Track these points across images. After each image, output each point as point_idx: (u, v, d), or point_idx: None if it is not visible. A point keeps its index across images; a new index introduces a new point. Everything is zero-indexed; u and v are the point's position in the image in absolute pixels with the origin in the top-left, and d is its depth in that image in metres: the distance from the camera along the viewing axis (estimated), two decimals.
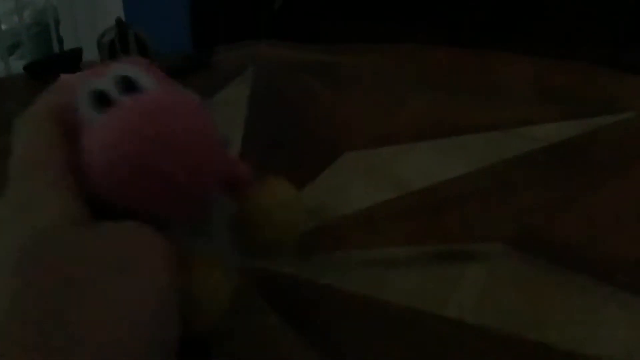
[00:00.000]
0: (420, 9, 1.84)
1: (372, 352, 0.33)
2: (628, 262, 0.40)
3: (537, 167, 0.53)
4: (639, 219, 0.45)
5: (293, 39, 0.93)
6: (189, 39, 2.13)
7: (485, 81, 0.73)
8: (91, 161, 0.26)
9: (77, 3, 1.91)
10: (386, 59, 0.82)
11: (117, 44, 0.74)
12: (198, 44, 2.09)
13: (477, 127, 0.59)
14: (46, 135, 0.29)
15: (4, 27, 2.27)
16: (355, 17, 1.93)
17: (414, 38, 0.91)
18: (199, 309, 0.29)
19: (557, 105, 0.64)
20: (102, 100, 0.28)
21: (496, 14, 1.75)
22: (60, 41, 2.03)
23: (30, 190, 0.26)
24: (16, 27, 2.23)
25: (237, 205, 0.32)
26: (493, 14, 1.75)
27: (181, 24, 2.14)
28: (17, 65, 2.08)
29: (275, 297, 0.35)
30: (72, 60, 0.82)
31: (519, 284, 0.38)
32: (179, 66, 0.78)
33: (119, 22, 0.75)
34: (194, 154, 0.26)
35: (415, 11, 1.85)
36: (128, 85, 0.28)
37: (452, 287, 0.37)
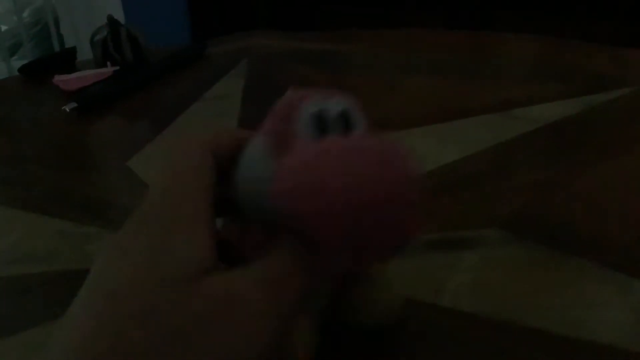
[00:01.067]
0: None
1: (370, 343, 0.32)
2: (624, 243, 0.39)
3: (532, 149, 0.52)
4: (634, 199, 0.44)
5: (290, 26, 0.92)
6: (188, 33, 2.12)
7: (480, 63, 0.72)
8: (300, 187, 0.24)
9: (75, 0, 1.91)
10: (381, 45, 0.81)
11: (110, 42, 0.74)
12: (197, 38, 2.08)
13: (473, 110, 0.59)
14: (197, 164, 0.27)
15: (3, 28, 2.27)
16: (351, 2, 1.91)
17: (410, 22, 0.90)
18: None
19: (554, 85, 0.63)
20: (322, 126, 0.27)
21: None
22: (61, 39, 2.03)
23: (168, 223, 0.24)
24: (16, 28, 2.23)
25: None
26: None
27: (180, 19, 2.13)
28: (18, 65, 2.09)
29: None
30: (66, 60, 0.82)
31: (514, 270, 0.38)
32: (173, 59, 0.78)
33: (110, 20, 0.74)
34: (414, 208, 0.26)
35: None
36: (347, 121, 0.28)
37: (448, 275, 0.37)
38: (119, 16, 1.81)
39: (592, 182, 0.46)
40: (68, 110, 0.65)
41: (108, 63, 0.75)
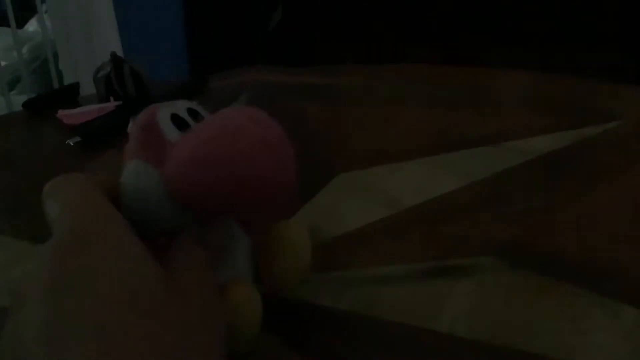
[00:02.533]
0: (414, 29, 1.86)
1: None
2: (615, 270, 0.41)
3: (526, 180, 0.54)
4: (627, 227, 0.46)
5: (288, 61, 0.95)
6: (186, 68, 2.16)
7: (474, 96, 0.74)
8: (184, 164, 0.29)
9: (74, 36, 1.94)
10: (379, 78, 0.83)
11: (113, 78, 0.76)
12: (196, 72, 2.11)
13: (467, 142, 0.60)
14: (95, 193, 0.30)
15: (3, 63, 2.30)
16: (349, 38, 1.95)
17: (408, 57, 0.92)
18: (237, 333, 0.31)
19: (547, 118, 0.65)
20: (180, 123, 0.32)
21: (489, 31, 1.77)
22: (60, 75, 2.06)
23: (105, 252, 0.26)
24: (15, 63, 2.26)
25: (254, 236, 0.35)
26: (486, 31, 1.77)
27: (178, 54, 2.16)
28: (17, 100, 2.11)
29: (273, 318, 0.36)
30: (69, 95, 0.84)
31: (509, 296, 0.39)
32: (174, 93, 0.80)
33: (113, 56, 0.76)
34: (289, 158, 0.31)
35: (408, 31, 1.87)
36: (196, 115, 0.33)
37: (445, 301, 0.38)
38: (118, 51, 1.84)
39: (584, 212, 0.48)
40: (72, 144, 0.67)
41: (111, 98, 0.77)
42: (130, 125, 0.35)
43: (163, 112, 0.32)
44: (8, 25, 1.99)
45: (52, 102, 0.81)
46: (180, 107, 0.33)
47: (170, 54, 2.13)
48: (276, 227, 0.36)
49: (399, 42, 1.83)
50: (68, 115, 0.75)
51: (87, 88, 0.87)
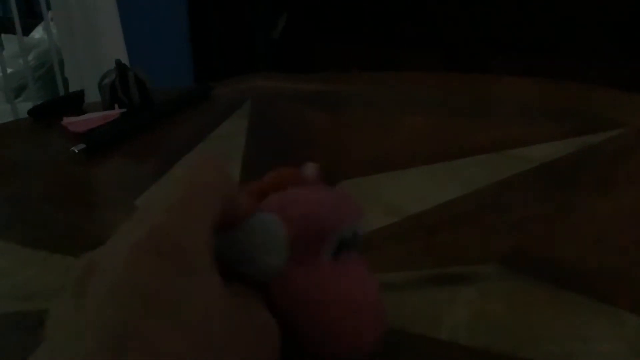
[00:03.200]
0: (417, 36, 1.87)
1: None
2: (617, 278, 0.41)
3: (529, 188, 0.54)
4: (629, 236, 0.46)
5: (292, 68, 0.95)
6: (191, 75, 2.16)
7: (478, 104, 0.74)
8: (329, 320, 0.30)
9: (80, 44, 1.95)
10: (382, 85, 0.83)
11: (118, 86, 0.76)
12: (200, 79, 2.12)
13: (470, 150, 0.61)
14: (203, 209, 0.25)
15: (9, 70, 2.31)
16: (353, 44, 1.95)
17: (410, 64, 0.92)
18: None
19: (549, 125, 0.65)
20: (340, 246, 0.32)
21: (490, 40, 1.77)
22: (65, 82, 2.07)
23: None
24: (21, 70, 2.27)
25: None
26: (488, 40, 1.78)
27: (183, 61, 2.17)
28: (23, 107, 2.12)
29: None
30: (74, 103, 0.84)
31: (511, 304, 0.39)
32: (179, 100, 0.80)
33: (118, 64, 0.77)
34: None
35: (411, 38, 1.88)
36: (354, 241, 0.33)
37: (446, 309, 0.38)
38: (123, 58, 1.84)
39: (586, 220, 0.48)
40: (77, 151, 0.67)
41: (115, 105, 0.78)
42: None
43: (339, 234, 0.31)
44: (14, 33, 2.01)
45: (57, 110, 0.81)
46: (348, 230, 0.32)
47: (175, 62, 2.14)
48: None
49: (402, 49, 1.84)
50: (73, 122, 0.75)
51: (92, 95, 0.88)
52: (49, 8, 2.00)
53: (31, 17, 2.51)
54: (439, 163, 0.59)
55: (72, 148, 0.67)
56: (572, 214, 0.49)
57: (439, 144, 0.63)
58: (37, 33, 2.64)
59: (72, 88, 2.02)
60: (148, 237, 0.23)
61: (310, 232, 0.30)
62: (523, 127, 0.65)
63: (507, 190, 0.53)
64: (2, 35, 2.58)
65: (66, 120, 0.75)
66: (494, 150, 0.60)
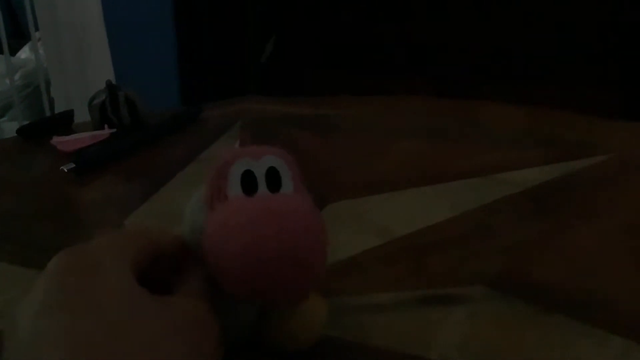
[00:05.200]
0: (409, 61, 1.89)
1: None
2: (602, 300, 0.41)
3: (516, 211, 0.55)
4: (613, 258, 0.47)
5: (281, 91, 0.96)
6: (177, 97, 2.17)
7: (466, 129, 0.75)
8: (222, 248, 0.31)
9: (67, 64, 1.95)
10: (372, 109, 0.84)
11: (108, 106, 0.77)
12: (187, 101, 2.13)
13: (458, 174, 0.61)
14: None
15: None
16: (342, 69, 1.97)
17: (399, 89, 0.93)
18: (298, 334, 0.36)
19: (536, 151, 0.66)
20: (250, 183, 0.33)
21: (479, 67, 1.80)
22: (52, 102, 2.06)
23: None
24: (7, 90, 2.26)
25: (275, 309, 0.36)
26: (476, 66, 1.80)
27: (171, 83, 2.18)
28: (8, 127, 2.10)
29: (267, 349, 0.36)
30: (64, 123, 0.84)
31: (499, 325, 0.39)
32: (169, 122, 0.80)
33: (109, 84, 0.77)
34: (316, 260, 0.32)
35: (402, 63, 1.90)
36: (273, 178, 0.34)
37: (436, 330, 0.39)
38: (111, 79, 1.84)
39: (572, 243, 0.49)
40: (66, 171, 0.67)
41: (105, 126, 0.78)
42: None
43: (238, 166, 0.34)
44: (1, 53, 2.00)
45: (46, 129, 0.81)
46: (262, 164, 0.34)
47: (163, 83, 2.14)
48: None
49: (391, 75, 1.86)
50: (62, 141, 0.75)
51: (80, 116, 0.88)
52: (36, 28, 2.00)
53: (18, 37, 2.50)
54: (428, 186, 0.59)
55: (62, 167, 0.67)
56: (557, 238, 0.50)
57: (427, 167, 0.64)
58: (24, 53, 2.63)
59: (59, 108, 2.01)
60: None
61: (212, 176, 0.33)
62: (509, 152, 0.67)
63: (494, 213, 0.54)
64: None
65: (56, 140, 0.75)
66: (481, 175, 0.61)
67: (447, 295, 0.42)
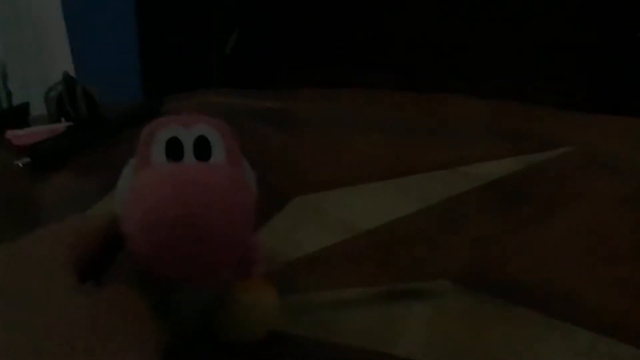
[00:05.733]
0: (373, 55, 1.89)
1: None
2: (567, 294, 0.41)
3: (481, 205, 0.54)
4: (577, 251, 0.47)
5: (245, 84, 0.94)
6: (139, 90, 2.13)
7: (431, 123, 0.75)
8: (130, 214, 0.30)
9: (25, 56, 1.90)
10: (336, 103, 0.84)
11: (65, 98, 0.74)
12: (150, 94, 2.09)
13: (424, 168, 0.61)
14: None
15: None
16: (307, 62, 1.96)
17: (366, 83, 0.93)
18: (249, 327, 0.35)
19: (501, 144, 0.66)
20: (176, 149, 0.32)
21: (445, 59, 1.80)
22: (9, 95, 2.01)
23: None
24: None
25: (221, 292, 0.34)
26: (442, 59, 1.81)
27: (132, 75, 2.14)
28: None
29: (228, 344, 0.35)
30: (19, 116, 0.81)
31: (465, 320, 0.39)
32: (129, 115, 0.78)
33: (66, 77, 0.75)
34: (219, 235, 0.30)
35: (367, 57, 1.89)
36: (202, 147, 0.32)
37: (402, 326, 0.38)
38: (70, 72, 1.80)
39: (537, 237, 0.49)
40: (21, 166, 0.65)
41: (62, 119, 0.76)
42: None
43: (164, 133, 0.32)
44: None
45: (0, 123, 0.79)
46: (192, 132, 0.33)
47: (124, 76, 2.10)
48: (242, 286, 0.35)
49: (358, 69, 1.85)
50: (17, 135, 0.73)
51: (37, 109, 0.85)
52: None
53: None
54: (393, 180, 0.59)
55: (16, 162, 0.65)
56: (523, 232, 0.49)
57: (393, 161, 0.64)
58: None
59: (16, 101, 1.96)
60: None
61: (139, 142, 0.32)
62: (474, 145, 0.66)
63: (461, 207, 0.54)
64: None
65: (10, 134, 0.73)
66: (447, 168, 0.61)
67: (413, 291, 0.42)
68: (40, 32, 1.88)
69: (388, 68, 1.83)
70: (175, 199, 0.29)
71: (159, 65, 2.12)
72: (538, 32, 1.71)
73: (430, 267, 0.45)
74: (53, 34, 1.90)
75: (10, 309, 0.25)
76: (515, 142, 0.66)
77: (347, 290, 0.42)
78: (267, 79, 1.99)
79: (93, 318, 0.26)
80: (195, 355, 0.35)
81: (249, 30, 1.99)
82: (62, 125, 0.74)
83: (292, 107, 0.82)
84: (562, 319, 0.38)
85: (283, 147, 0.69)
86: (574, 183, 0.57)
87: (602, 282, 0.43)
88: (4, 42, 1.96)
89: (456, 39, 1.79)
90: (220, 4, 1.95)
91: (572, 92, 1.61)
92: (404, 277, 0.44)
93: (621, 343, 0.36)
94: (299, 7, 1.93)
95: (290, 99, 0.85)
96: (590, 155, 0.62)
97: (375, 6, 1.85)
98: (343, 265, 0.46)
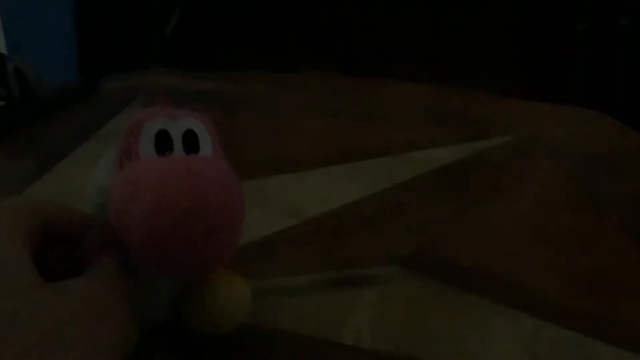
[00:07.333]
0: (318, 40, 1.88)
1: None
2: (513, 279, 0.42)
3: (426, 190, 0.54)
4: (521, 237, 0.47)
5: (187, 65, 0.92)
6: (74, 68, 2.06)
7: (377, 107, 0.75)
8: (129, 206, 0.28)
9: None
10: (279, 87, 0.82)
11: None
12: (86, 74, 2.03)
13: (370, 153, 0.61)
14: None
15: None
16: (249, 45, 1.94)
17: (309, 68, 0.92)
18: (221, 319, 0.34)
19: (446, 130, 0.67)
20: (165, 142, 0.31)
21: (392, 49, 1.81)
22: None
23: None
24: None
25: (193, 285, 0.34)
26: (386, 47, 1.82)
27: (68, 54, 2.07)
28: None
29: (170, 330, 0.34)
30: None
31: (412, 306, 0.39)
32: (63, 94, 0.75)
33: None
34: (227, 225, 0.30)
35: (311, 42, 1.88)
36: (191, 140, 0.32)
37: (348, 312, 0.38)
38: (2, 49, 1.73)
39: (482, 221, 0.49)
40: None
41: None
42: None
43: (152, 125, 0.31)
44: None
45: None
46: (179, 125, 0.32)
47: (59, 55, 2.03)
48: (215, 278, 0.34)
49: (300, 53, 1.84)
50: None
51: None
52: None
53: None
54: (338, 165, 0.58)
55: None
56: (468, 217, 0.50)
57: (337, 146, 0.63)
58: None
59: None
60: None
61: (123, 134, 0.31)
62: (419, 131, 0.66)
63: (406, 192, 0.54)
64: None
65: None
66: (392, 153, 0.61)
67: (360, 277, 0.41)
68: None
69: (333, 54, 1.83)
70: (189, 190, 0.28)
71: (96, 44, 2.05)
72: (479, 22, 1.73)
73: (376, 253, 0.44)
74: None
75: None
76: (460, 128, 0.67)
77: (293, 277, 0.42)
78: (209, 60, 1.96)
79: (61, 312, 0.25)
80: (164, 345, 0.34)
81: (190, 9, 1.95)
82: None
83: (233, 90, 0.81)
84: (507, 304, 0.39)
85: (227, 131, 0.68)
86: (518, 168, 0.58)
87: (544, 265, 0.43)
88: None
89: (400, 24, 1.80)
90: None
91: (517, 79, 1.64)
92: (350, 263, 0.43)
93: (565, 328, 0.37)
94: None
95: (231, 82, 0.83)
96: (534, 141, 0.63)
97: None
98: (290, 251, 0.45)
